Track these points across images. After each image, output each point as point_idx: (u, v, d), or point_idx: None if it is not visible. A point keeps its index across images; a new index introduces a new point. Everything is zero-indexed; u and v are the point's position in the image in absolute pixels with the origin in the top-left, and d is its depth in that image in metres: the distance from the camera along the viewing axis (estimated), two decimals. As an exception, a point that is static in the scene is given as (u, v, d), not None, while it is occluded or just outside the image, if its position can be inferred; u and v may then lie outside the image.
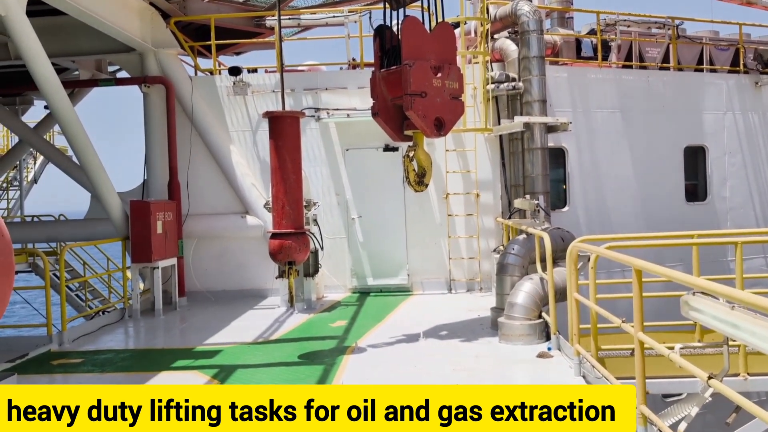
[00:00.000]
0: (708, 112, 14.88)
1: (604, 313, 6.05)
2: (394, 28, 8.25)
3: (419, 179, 8.51)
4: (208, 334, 9.17)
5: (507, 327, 8.07)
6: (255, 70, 13.61)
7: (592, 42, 15.04)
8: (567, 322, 7.27)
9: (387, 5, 8.34)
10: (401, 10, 8.21)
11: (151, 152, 12.42)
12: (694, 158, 14.80)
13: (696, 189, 14.90)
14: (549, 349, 7.54)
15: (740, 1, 16.88)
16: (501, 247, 11.85)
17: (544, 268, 8.53)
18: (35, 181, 22.17)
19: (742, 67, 15.40)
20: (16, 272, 16.18)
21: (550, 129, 11.61)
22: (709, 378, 3.35)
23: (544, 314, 8.12)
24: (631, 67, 14.92)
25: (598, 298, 6.29)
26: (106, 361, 7.89)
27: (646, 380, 4.56)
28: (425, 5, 8.44)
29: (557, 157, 13.01)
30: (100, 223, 11.93)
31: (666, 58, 15.28)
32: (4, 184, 21.13)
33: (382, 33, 8.34)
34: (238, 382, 6.73)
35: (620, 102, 13.95)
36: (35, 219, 18.17)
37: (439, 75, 8.04)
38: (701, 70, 15.51)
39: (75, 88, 13.99)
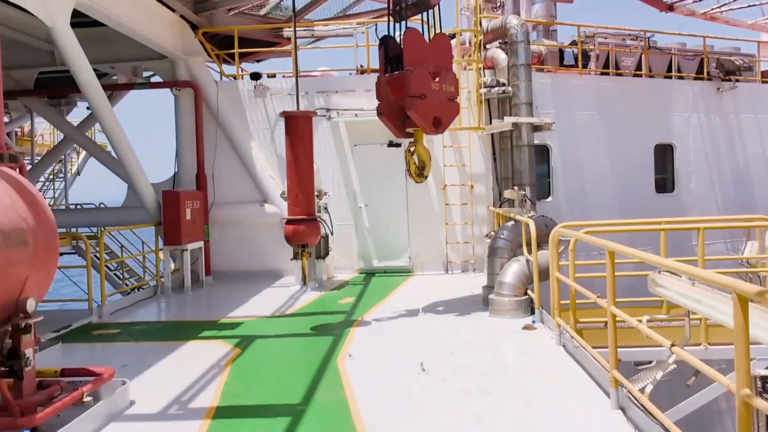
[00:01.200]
0: (676, 114, 14.92)
1: (582, 289, 6.09)
2: (397, 38, 8.24)
3: (419, 171, 8.54)
4: (231, 308, 9.23)
5: (496, 303, 8.12)
6: (273, 75, 13.59)
7: (573, 52, 15.07)
8: (549, 299, 7.35)
9: (391, 18, 8.34)
10: (403, 23, 8.23)
11: (181, 148, 12.49)
12: (663, 155, 14.85)
13: (665, 182, 14.95)
14: (533, 321, 7.59)
15: (704, 16, 16.83)
16: (492, 233, 11.88)
17: (530, 251, 8.57)
18: (78, 173, 22.27)
19: (706, 74, 15.38)
20: (61, 254, 16.29)
21: (536, 128, 11.62)
22: (672, 345, 3.38)
23: (529, 291, 8.15)
24: (608, 74, 14.89)
25: (576, 277, 6.33)
26: (140, 331, 7.97)
27: (619, 349, 4.58)
28: (425, 18, 8.45)
29: (542, 153, 13.06)
30: (135, 211, 11.97)
31: (639, 67, 15.30)
32: (51, 176, 21.23)
33: (386, 42, 8.35)
34: (256, 351, 6.81)
35: (598, 105, 13.99)
36: (78, 207, 18.29)
37: (437, 79, 8.04)
38: (670, 77, 15.48)
39: (114, 90, 14.03)
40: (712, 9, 16.80)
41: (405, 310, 8.74)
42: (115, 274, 17.30)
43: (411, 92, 7.81)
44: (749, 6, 16.73)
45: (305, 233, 7.60)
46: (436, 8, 8.28)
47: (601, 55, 15.09)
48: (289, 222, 7.63)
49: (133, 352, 6.84)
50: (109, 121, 10.07)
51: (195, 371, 5.98)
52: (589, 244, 6.24)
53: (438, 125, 8.11)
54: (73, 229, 16.04)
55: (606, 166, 14.03)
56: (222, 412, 4.82)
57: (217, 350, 6.78)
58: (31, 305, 4.23)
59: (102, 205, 17.51)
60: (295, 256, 9.37)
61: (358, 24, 13.57)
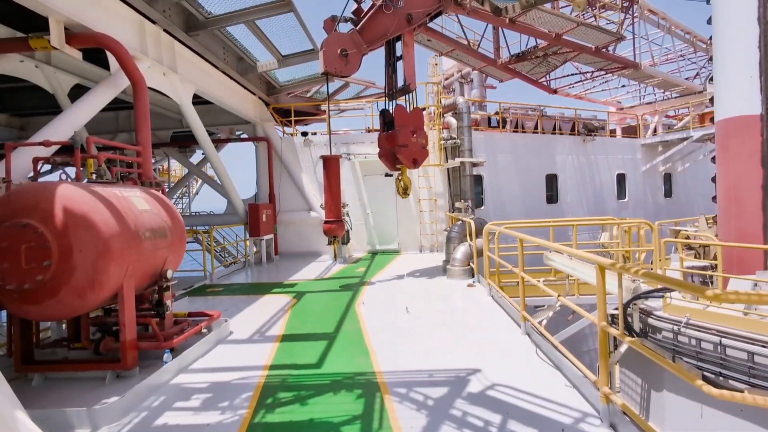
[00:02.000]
0: (558, 155, 14.89)
1: (503, 262, 6.08)
2: (390, 110, 8.22)
3: (404, 191, 8.52)
4: (290, 274, 9.19)
5: (451, 271, 8.08)
6: (315, 134, 13.53)
7: (496, 119, 15.07)
8: (482, 268, 7.34)
9: (386, 98, 8.33)
10: (394, 101, 8.21)
11: (259, 176, 12.44)
12: (551, 180, 14.82)
13: (552, 197, 14.92)
14: (473, 282, 7.56)
15: (575, 96, 16.86)
16: (447, 228, 11.87)
17: (471, 239, 8.57)
18: (197, 193, 22.19)
19: (576, 132, 15.41)
20: (187, 242, 16.10)
21: (474, 165, 11.58)
22: (558, 296, 3.39)
23: (471, 264, 8.14)
24: (517, 132, 14.91)
25: (500, 255, 6.33)
26: (235, 289, 7.90)
27: (525, 298, 4.58)
28: (407, 98, 8.44)
29: (478, 180, 13.02)
30: (232, 216, 11.92)
31: (536, 126, 15.33)
32: (180, 195, 21.14)
33: (383, 113, 8.33)
34: (306, 300, 6.75)
35: (512, 150, 13.95)
36: (197, 213, 18.20)
37: (415, 135, 8.03)
38: (554, 134, 15.51)
39: (218, 143, 13.95)
40: (580, 92, 16.84)
41: (396, 275, 8.72)
42: (220, 255, 17.24)
43: (399, 143, 7.80)
44: (602, 90, 16.87)
45: (336, 229, 7.57)
46: (414, 93, 8.29)
47: (513, 120, 15.13)
48: (326, 222, 7.62)
49: (231, 302, 6.80)
50: (215, 161, 10.06)
51: (269, 313, 5.97)
52: (507, 235, 6.26)
53: (415, 163, 8.10)
54: (194, 227, 16.08)
55: (516, 188, 14.01)
56: (286, 338, 4.80)
57: (282, 300, 6.76)
58: (169, 273, 4.21)
59: (211, 212, 17.44)
60: (329, 243, 9.36)
61: (366, 102, 13.57)
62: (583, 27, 9.50)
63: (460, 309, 5.81)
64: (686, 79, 16.13)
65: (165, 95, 7.87)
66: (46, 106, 10.05)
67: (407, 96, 8.34)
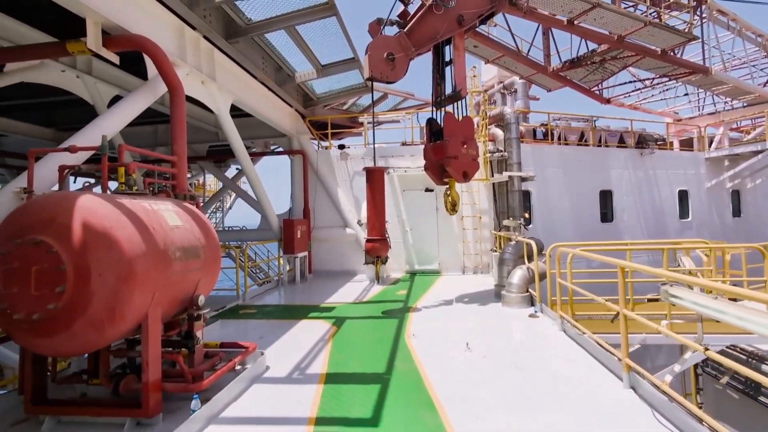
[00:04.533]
0: (613, 170, 13.76)
1: (580, 290, 5.20)
2: (437, 119, 7.62)
3: (453, 207, 7.79)
4: (326, 296, 8.57)
5: (507, 297, 7.21)
6: (349, 147, 13.14)
7: (542, 131, 14.20)
8: (542, 295, 6.47)
9: (433, 106, 7.74)
10: (442, 110, 7.61)
11: (295, 191, 12.04)
12: (605, 197, 13.67)
13: (606, 215, 13.73)
14: (535, 311, 6.66)
15: (630, 107, 15.74)
16: (494, 248, 11.01)
17: (530, 262, 7.71)
18: (230, 207, 22.22)
19: (633, 144, 14.26)
20: (224, 256, 15.84)
21: (523, 179, 10.76)
22: (706, 350, 2.54)
23: (530, 290, 7.25)
24: (560, 143, 13.96)
25: (573, 282, 5.45)
26: (269, 311, 7.33)
27: (601, 335, 3.72)
28: (456, 107, 7.80)
29: (525, 196, 12.11)
30: (266, 232, 11.56)
31: (583, 138, 14.32)
32: (215, 210, 21.20)
33: (430, 122, 7.73)
34: (348, 329, 6.05)
35: (561, 164, 12.99)
36: (230, 228, 18.08)
37: (465, 146, 7.35)
38: (608, 146, 14.42)
39: (254, 156, 13.76)
40: (635, 102, 15.71)
41: (442, 300, 7.92)
42: (251, 272, 16.94)
43: (448, 154, 7.14)
44: (660, 100, 15.66)
45: (380, 248, 6.89)
46: (464, 100, 7.65)
47: (560, 133, 14.25)
48: (368, 241, 6.94)
49: (266, 327, 6.22)
50: (252, 175, 9.70)
51: (308, 343, 5.32)
52: (575, 259, 5.39)
53: (466, 176, 7.39)
54: (228, 242, 15.91)
55: (567, 205, 12.97)
56: (330, 379, 4.10)
57: (321, 327, 6.11)
58: (201, 300, 3.64)
59: (244, 227, 17.25)
60: (370, 262, 8.70)
61: (405, 114, 13.05)
62: (651, 27, 8.62)
63: (529, 346, 4.95)
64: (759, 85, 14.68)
65: (202, 106, 7.60)
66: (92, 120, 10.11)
67: (455, 105, 7.72)
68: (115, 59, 5.20)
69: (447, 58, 7.66)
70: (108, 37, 5.03)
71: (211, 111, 8.08)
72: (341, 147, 12.11)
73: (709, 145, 15.77)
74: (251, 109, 9.28)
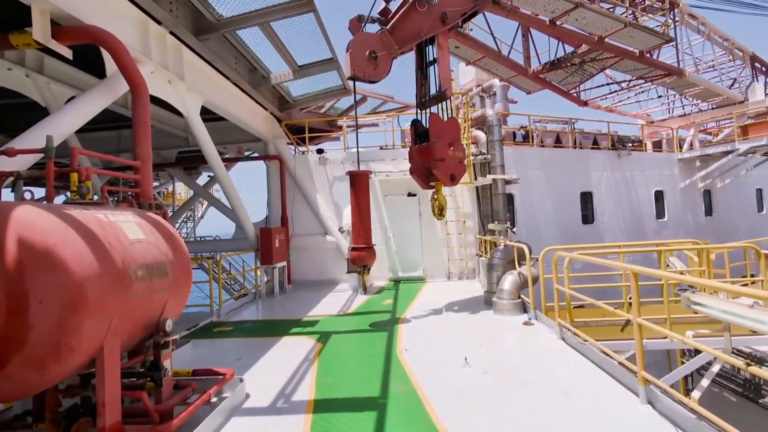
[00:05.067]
0: (593, 171, 13.92)
1: (579, 295, 4.98)
2: (423, 121, 7.35)
3: (440, 212, 7.52)
4: (308, 309, 8.08)
5: (499, 304, 6.96)
6: (327, 152, 12.76)
7: (521, 133, 14.23)
8: (535, 300, 6.25)
9: (417, 108, 7.47)
10: (427, 112, 7.35)
11: (271, 198, 11.53)
12: (586, 198, 13.79)
13: (587, 217, 13.84)
14: (529, 318, 6.44)
15: (606, 109, 16.03)
16: (479, 253, 10.83)
17: (520, 266, 7.51)
18: (202, 217, 21.27)
19: (609, 145, 14.48)
20: (192, 269, 15.02)
21: (507, 182, 10.65)
22: (749, 366, 2.31)
23: (521, 296, 7.04)
24: (543, 146, 14.04)
25: (571, 287, 5.23)
26: (247, 328, 6.77)
27: (603, 342, 3.48)
28: (440, 108, 7.56)
29: (508, 199, 12.02)
30: (241, 241, 10.97)
31: (559, 140, 14.44)
32: (185, 219, 20.25)
33: (415, 123, 7.45)
34: (334, 345, 5.62)
35: (543, 166, 13.02)
36: (202, 239, 17.26)
37: (452, 148, 7.11)
38: (587, 149, 14.58)
39: (227, 162, 13.15)
40: (611, 104, 16.01)
41: (431, 309, 7.59)
42: (226, 284, 16.15)
43: (436, 157, 6.87)
44: (635, 102, 16.02)
45: (366, 257, 6.51)
46: (450, 101, 7.42)
47: (539, 135, 14.34)
48: (353, 249, 6.53)
49: (244, 347, 5.72)
50: (225, 182, 9.14)
51: (291, 363, 4.86)
52: (559, 260, 5.16)
53: (453, 179, 7.12)
54: (199, 254, 15.13)
55: (549, 207, 12.99)
56: (320, 406, 3.68)
57: (305, 344, 5.66)
58: (169, 325, 3.17)
59: (218, 237, 16.49)
60: (354, 271, 8.32)
61: (386, 117, 12.76)
62: (630, 28, 8.68)
63: (530, 358, 4.67)
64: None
65: (170, 109, 7.06)
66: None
67: (440, 106, 7.48)
68: (68, 53, 4.66)
69: (430, 58, 7.42)
70: (59, 28, 4.50)
71: (180, 114, 7.55)
72: (320, 151, 11.70)
73: (680, 147, 16.25)
74: (224, 112, 8.77)
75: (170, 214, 18.16)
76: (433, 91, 7.35)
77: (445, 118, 7.33)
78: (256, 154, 12.19)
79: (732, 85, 15.94)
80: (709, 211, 16.61)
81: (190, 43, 6.81)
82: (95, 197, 3.59)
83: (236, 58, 8.52)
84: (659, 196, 15.28)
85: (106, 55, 4.95)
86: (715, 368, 3.93)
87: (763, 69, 16.80)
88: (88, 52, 6.27)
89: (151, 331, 3.18)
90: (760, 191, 18.14)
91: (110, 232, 2.83)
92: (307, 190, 11.66)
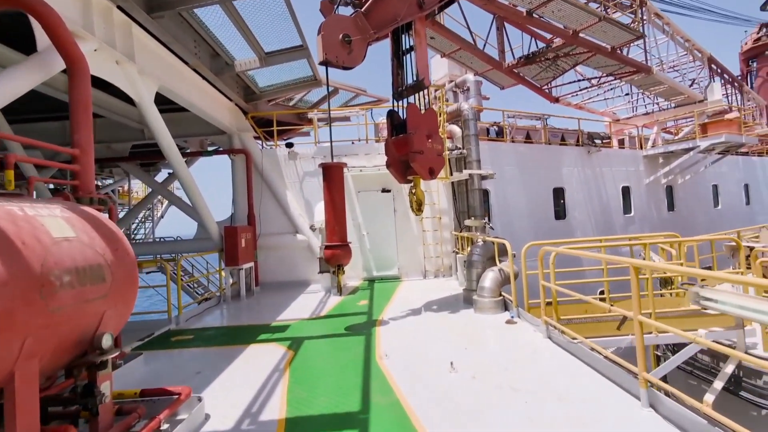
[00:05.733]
0: (564, 167, 14.05)
1: (567, 291, 4.77)
2: (399, 112, 7.00)
3: (419, 207, 7.19)
4: (278, 312, 7.55)
5: (480, 303, 6.70)
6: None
7: (495, 129, 14.17)
8: (521, 299, 6.03)
9: (393, 98, 7.09)
10: (403, 100, 6.99)
11: (236, 195, 10.83)
12: (558, 194, 13.91)
13: (559, 212, 13.96)
14: (512, 316, 6.21)
15: (576, 106, 16.27)
16: (456, 249, 10.62)
17: (496, 263, 7.30)
18: (162, 216, 20.03)
19: (581, 142, 14.67)
20: (150, 272, 13.92)
21: (483, 178, 10.47)
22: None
23: (503, 293, 6.82)
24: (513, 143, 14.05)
25: (557, 283, 5.01)
26: (209, 336, 6.15)
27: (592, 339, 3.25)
28: (417, 98, 7.22)
29: (484, 194, 11.89)
30: (204, 241, 10.25)
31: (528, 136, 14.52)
32: (143, 219, 18.99)
33: (391, 114, 7.08)
34: (308, 351, 5.17)
35: (517, 162, 12.99)
36: (162, 239, 16.20)
37: (430, 140, 6.78)
38: (560, 145, 14.72)
39: (188, 157, 12.31)
40: (581, 102, 16.26)
41: (409, 309, 7.25)
42: (189, 287, 15.19)
43: (413, 149, 6.52)
44: (603, 100, 16.37)
45: (341, 256, 6.06)
46: (426, 91, 7.09)
47: (512, 131, 14.33)
48: (327, 247, 6.06)
49: (205, 358, 5.14)
50: (185, 178, 8.40)
51: (259, 376, 4.36)
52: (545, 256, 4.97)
53: (432, 173, 6.81)
54: (159, 255, 14.15)
55: (524, 203, 12.99)
56: (292, 426, 3.23)
57: (274, 352, 5.16)
58: (106, 341, 2.62)
59: (179, 238, 15.52)
60: (326, 271, 7.86)
61: (360, 109, 12.32)
62: (604, 23, 8.67)
63: (518, 360, 4.40)
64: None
65: (124, 98, 6.34)
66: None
67: (416, 96, 7.14)
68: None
69: (406, 46, 7.06)
70: (-27, -11, 3.79)
71: (133, 103, 6.81)
72: (289, 145, 11.10)
73: (640, 145, 16.76)
74: (183, 101, 8.06)
75: (124, 212, 16.95)
76: (410, 80, 7.00)
77: (423, 109, 7.01)
78: (220, 148, 11.42)
79: (691, 85, 16.58)
80: (671, 206, 17.23)
81: (141, 20, 6.12)
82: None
83: (196, 42, 7.84)
84: (626, 191, 15.68)
85: (36, 26, 4.27)
86: (729, 369, 3.79)
87: (719, 71, 17.61)
88: (15, 24, 5.50)
89: (84, 349, 2.63)
90: (716, 187, 19.04)
91: (25, 229, 2.27)
92: (276, 186, 11.05)
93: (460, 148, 10.87)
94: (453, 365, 4.27)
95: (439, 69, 17.25)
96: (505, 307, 6.69)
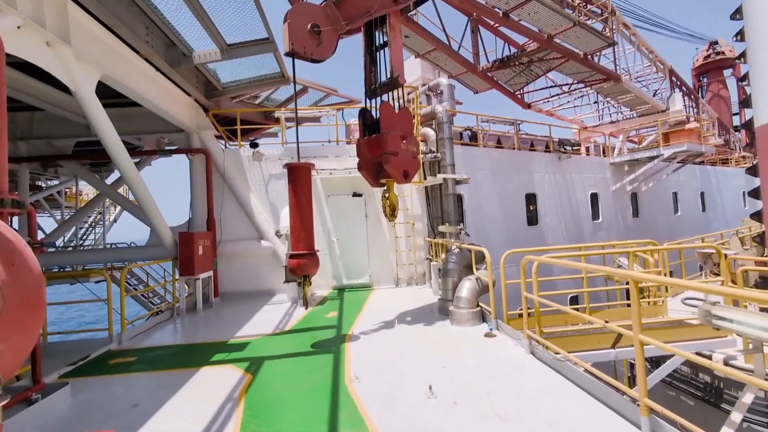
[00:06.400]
0: (536, 173, 14.08)
1: (552, 303, 4.46)
2: (372, 111, 6.57)
3: (392, 212, 6.76)
4: (237, 327, 6.90)
5: (457, 314, 6.33)
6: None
7: (468, 133, 14.04)
8: (500, 310, 5.70)
9: (366, 96, 6.64)
10: (376, 99, 6.56)
11: (195, 198, 10.02)
12: (530, 200, 13.90)
13: (532, 218, 13.96)
14: (491, 329, 5.87)
15: (547, 113, 16.44)
16: (429, 257, 10.27)
17: (473, 271, 6.98)
18: (115, 221, 18.61)
19: (552, 149, 14.78)
20: (98, 281, 12.72)
21: (458, 182, 10.21)
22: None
23: (480, 304, 6.48)
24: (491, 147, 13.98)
25: (540, 295, 4.70)
26: (156, 357, 5.42)
27: (577, 353, 2.93)
28: (391, 97, 6.82)
29: (458, 200, 11.67)
30: (157, 248, 9.37)
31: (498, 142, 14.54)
32: (93, 224, 17.55)
33: (363, 113, 6.63)
34: (268, 374, 4.60)
35: (491, 167, 12.86)
36: (113, 246, 14.97)
37: (405, 141, 6.39)
38: (531, 150, 14.77)
39: (142, 155, 11.38)
40: (551, 108, 16.45)
41: (381, 321, 6.79)
42: (145, 296, 14.04)
43: (387, 150, 6.10)
44: (572, 107, 16.64)
45: (308, 265, 5.50)
46: (402, 89, 6.71)
47: (484, 135, 14.22)
48: (293, 256, 5.51)
49: (147, 385, 4.45)
50: (133, 179, 7.55)
51: (209, 407, 3.76)
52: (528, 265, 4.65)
53: (407, 176, 6.40)
54: (109, 265, 13.02)
55: (497, 208, 12.87)
56: (243, 476, 2.69)
57: (229, 377, 4.54)
58: (-11, 388, 2.00)
59: (132, 244, 14.39)
60: (292, 281, 7.30)
61: (330, 109, 11.79)
62: (578, 28, 8.63)
63: (504, 381, 4.02)
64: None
65: (65, 90, 5.56)
66: None
67: (390, 95, 6.73)
68: None
69: (380, 42, 6.66)
70: None
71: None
72: (254, 145, 10.44)
73: (603, 152, 17.17)
74: (133, 94, 7.29)
75: (35, 214, 15.54)
76: (383, 77, 6.59)
77: (397, 109, 6.61)
78: (177, 147, 10.58)
79: (654, 95, 17.16)
80: (636, 213, 17.72)
81: (80, -2, 5.40)
82: None
83: (148, 29, 7.12)
84: (594, 198, 15.94)
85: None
86: (748, 399, 3.54)
87: (678, 83, 18.36)
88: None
89: (-42, 397, 2.00)
90: (675, 194, 19.81)
91: None
92: (239, 189, 10.34)
93: (434, 152, 10.57)
94: (432, 389, 3.84)
95: (412, 72, 17.02)
96: (483, 318, 6.36)
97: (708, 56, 34.16)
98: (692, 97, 20.50)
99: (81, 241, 16.32)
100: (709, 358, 4.79)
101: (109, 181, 14.78)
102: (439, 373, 4.32)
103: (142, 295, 13.83)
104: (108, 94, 8.02)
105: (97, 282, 13.91)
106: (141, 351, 5.74)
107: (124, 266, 12.31)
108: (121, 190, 13.44)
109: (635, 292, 2.85)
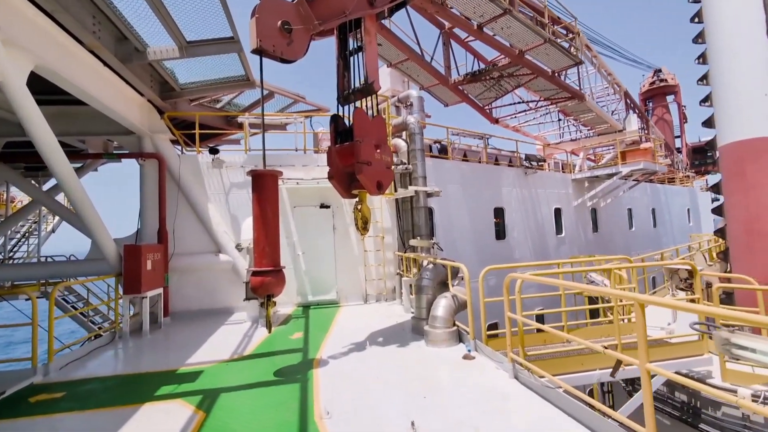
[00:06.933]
0: (504, 188, 14.20)
1: (537, 324, 4.20)
2: (344, 118, 6.21)
3: (365, 225, 6.37)
4: (189, 352, 6.17)
5: (432, 334, 5.98)
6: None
7: (437, 146, 13.99)
8: (478, 330, 5.42)
9: (339, 102, 6.27)
10: (349, 105, 6.21)
11: (145, 208, 9.13)
12: (499, 214, 13.97)
13: (500, 232, 14.01)
14: (469, 350, 5.55)
15: (513, 128, 16.77)
16: (400, 272, 9.91)
17: (448, 288, 6.68)
18: (53, 231, 16.87)
19: (519, 164, 15.01)
20: (27, 299, 11.34)
21: (429, 195, 10.00)
22: None
23: (457, 323, 6.17)
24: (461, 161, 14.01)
25: (524, 314, 4.44)
26: (88, 393, 4.60)
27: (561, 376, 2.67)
28: (364, 104, 6.49)
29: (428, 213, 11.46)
30: (98, 262, 8.39)
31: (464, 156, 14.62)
32: (27, 234, 15.81)
33: (335, 120, 6.26)
34: (224, 410, 3.99)
35: (460, 180, 12.80)
36: (49, 259, 13.45)
37: (378, 150, 6.06)
38: (498, 165, 14.93)
39: (86, 160, 10.33)
40: (517, 124, 16.80)
41: (351, 343, 6.31)
42: (85, 315, 12.64)
43: (360, 159, 5.74)
44: (537, 124, 17.10)
45: (272, 284, 4.94)
46: (375, 96, 6.40)
47: (456, 148, 14.23)
48: (255, 273, 4.95)
49: (74, 429, 3.72)
50: (70, 185, 6.65)
51: (151, 458, 3.14)
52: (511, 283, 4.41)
53: (380, 187, 6.05)
54: (43, 280, 11.65)
55: (467, 222, 12.78)
56: None
57: (176, 415, 3.90)
58: None
59: (72, 257, 13.00)
60: (252, 298, 6.69)
61: (297, 116, 11.28)
62: (548, 45, 8.77)
63: (490, 413, 3.68)
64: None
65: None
66: None
67: (363, 102, 6.41)
68: None
69: (354, 46, 6.34)
70: None
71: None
72: (214, 151, 9.75)
73: (563, 169, 17.76)
74: (75, 89, 6.49)
75: None
76: (357, 83, 6.25)
77: (371, 117, 6.28)
78: (127, 151, 9.67)
79: (612, 114, 18.00)
80: (595, 228, 18.34)
81: (9, -25, 4.69)
82: None
83: (96, 18, 6.41)
84: (558, 213, 16.32)
85: None
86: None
87: (632, 105, 19.41)
88: None
89: None
90: (630, 211, 20.77)
91: None
92: (196, 198, 9.57)
93: (405, 163, 10.32)
94: (414, 426, 3.42)
95: (381, 82, 16.87)
96: (460, 338, 6.04)
97: (653, 82, 36.77)
98: (644, 119, 21.77)
99: (10, 254, 14.59)
100: (687, 376, 4.72)
101: (46, 186, 13.37)
102: (420, 404, 3.92)
103: (82, 314, 12.46)
104: (47, 90, 7.17)
105: (27, 299, 12.40)
106: (71, 384, 4.91)
107: (59, 282, 11.05)
108: (60, 197, 12.18)
109: (641, 317, 2.61)
